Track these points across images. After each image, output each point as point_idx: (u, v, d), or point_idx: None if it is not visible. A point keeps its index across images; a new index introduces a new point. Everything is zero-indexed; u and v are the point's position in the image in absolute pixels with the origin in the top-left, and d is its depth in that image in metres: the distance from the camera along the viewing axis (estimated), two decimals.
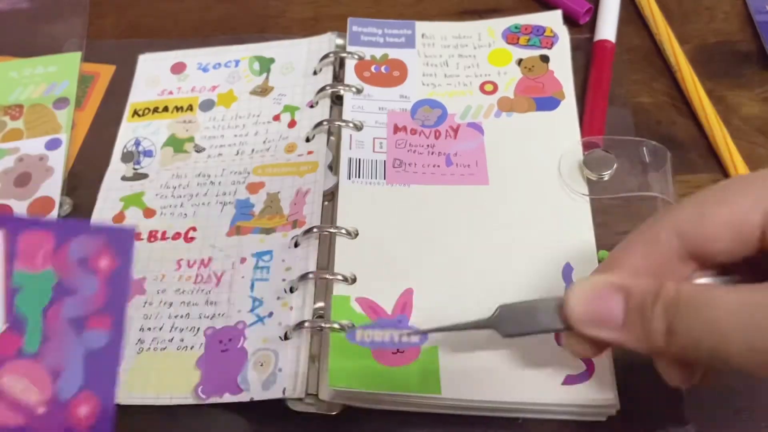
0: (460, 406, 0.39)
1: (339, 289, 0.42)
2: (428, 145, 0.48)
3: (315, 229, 0.44)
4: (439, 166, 0.47)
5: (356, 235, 0.44)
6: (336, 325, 0.40)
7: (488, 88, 0.51)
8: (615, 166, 0.46)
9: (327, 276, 0.42)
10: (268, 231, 0.46)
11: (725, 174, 0.48)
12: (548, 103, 0.50)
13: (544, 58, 0.52)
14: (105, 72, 0.57)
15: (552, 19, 0.54)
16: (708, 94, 0.51)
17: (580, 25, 0.56)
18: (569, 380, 0.38)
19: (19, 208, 0.49)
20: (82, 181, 0.51)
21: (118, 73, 0.57)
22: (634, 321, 0.30)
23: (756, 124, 0.50)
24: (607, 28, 0.54)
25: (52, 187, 0.50)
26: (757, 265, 0.31)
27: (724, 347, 0.28)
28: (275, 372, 0.40)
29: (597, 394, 0.38)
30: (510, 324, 0.35)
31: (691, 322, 0.29)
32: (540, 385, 0.38)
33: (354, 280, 0.42)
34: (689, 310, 0.29)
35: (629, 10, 0.57)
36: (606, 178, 0.46)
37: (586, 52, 0.54)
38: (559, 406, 0.38)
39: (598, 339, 0.32)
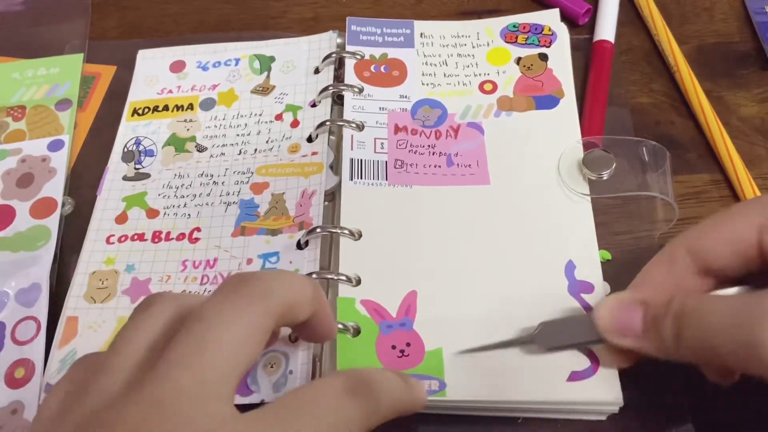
0: (465, 407, 0.39)
1: (344, 291, 0.42)
2: (429, 146, 0.48)
3: (318, 230, 0.44)
4: (440, 166, 0.47)
5: (360, 236, 0.44)
6: (341, 326, 0.40)
7: (488, 87, 0.51)
8: (614, 165, 0.46)
9: (332, 276, 0.42)
10: (274, 232, 0.46)
11: (724, 174, 0.48)
12: (548, 101, 0.50)
13: (543, 57, 0.52)
14: (106, 72, 0.57)
15: (550, 18, 0.54)
16: (707, 94, 0.51)
17: (580, 25, 0.56)
18: (574, 377, 0.38)
19: (22, 208, 0.49)
20: (84, 181, 0.51)
21: (119, 74, 0.57)
22: (650, 330, 0.35)
23: (754, 124, 0.50)
24: (606, 29, 0.55)
25: (55, 187, 0.50)
26: None
27: (717, 349, 0.32)
28: (285, 374, 0.40)
29: (602, 391, 0.38)
30: (550, 338, 0.38)
31: (692, 329, 0.33)
32: (545, 383, 0.38)
33: (359, 282, 0.42)
34: (690, 318, 0.33)
35: (628, 11, 0.57)
36: (605, 178, 0.46)
37: (585, 52, 0.54)
38: (564, 404, 0.38)
39: (623, 347, 0.36)
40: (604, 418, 0.39)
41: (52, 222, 0.48)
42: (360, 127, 0.49)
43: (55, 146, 0.52)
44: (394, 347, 0.40)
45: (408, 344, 0.40)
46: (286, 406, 0.28)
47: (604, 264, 0.44)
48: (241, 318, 0.28)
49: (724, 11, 0.57)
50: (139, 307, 0.31)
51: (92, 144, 0.53)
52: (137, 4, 0.62)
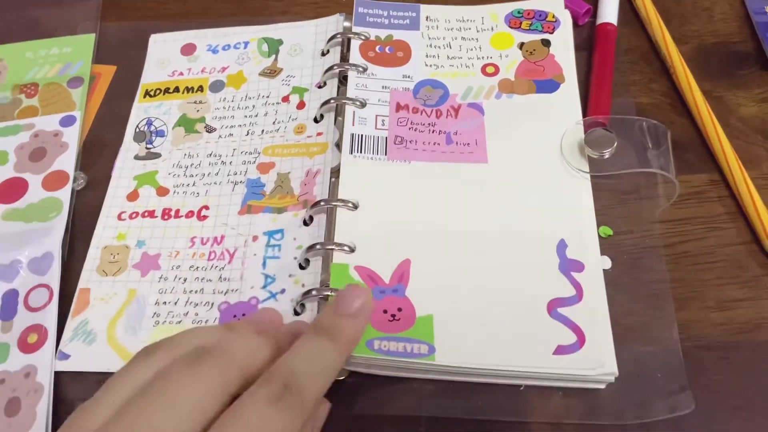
0: (453, 372, 0.40)
1: (339, 258, 0.43)
2: (429, 124, 0.49)
3: (323, 203, 0.45)
4: (439, 143, 0.48)
5: (356, 207, 0.45)
6: (334, 293, 0.41)
7: (490, 70, 0.52)
8: (615, 144, 0.47)
9: (327, 246, 0.43)
10: (279, 210, 0.47)
11: (721, 174, 0.48)
12: (548, 85, 0.51)
13: (546, 42, 0.53)
14: (106, 73, 0.58)
15: (554, 5, 0.55)
16: (707, 94, 0.51)
17: (580, 26, 0.56)
18: (560, 350, 0.39)
19: (35, 181, 0.51)
20: (96, 157, 0.53)
21: (126, 53, 0.58)
22: None
23: (754, 124, 0.50)
24: (609, 12, 0.55)
25: (67, 161, 0.52)
26: None
27: None
28: None
29: (588, 365, 0.39)
30: None
31: None
32: (532, 354, 0.39)
33: (353, 250, 0.43)
34: None
35: (627, 11, 0.57)
36: (606, 156, 0.47)
37: (587, 52, 0.54)
38: (553, 374, 0.39)
39: None
40: (602, 386, 0.40)
41: (64, 194, 0.50)
42: (362, 104, 0.50)
43: (67, 122, 0.54)
44: (385, 311, 0.41)
45: (399, 309, 0.41)
46: None
47: (606, 239, 0.45)
48: (201, 379, 0.31)
49: (724, 11, 0.57)
50: (137, 355, 0.33)
51: (104, 120, 0.55)
52: (136, 5, 0.62)
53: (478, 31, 0.55)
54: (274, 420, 0.30)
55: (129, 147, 0.53)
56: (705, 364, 0.41)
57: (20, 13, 0.62)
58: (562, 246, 0.43)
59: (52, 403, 0.41)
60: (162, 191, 0.50)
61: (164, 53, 0.58)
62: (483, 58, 0.53)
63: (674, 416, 0.39)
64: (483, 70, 0.52)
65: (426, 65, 0.53)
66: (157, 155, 0.52)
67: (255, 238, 0.46)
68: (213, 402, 0.30)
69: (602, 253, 0.43)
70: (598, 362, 0.39)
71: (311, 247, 0.44)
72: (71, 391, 0.42)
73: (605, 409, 0.40)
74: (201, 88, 0.55)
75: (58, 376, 0.43)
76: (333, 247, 0.43)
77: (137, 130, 0.53)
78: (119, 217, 0.49)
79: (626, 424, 0.39)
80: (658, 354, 0.41)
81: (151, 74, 0.57)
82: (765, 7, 0.56)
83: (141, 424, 0.29)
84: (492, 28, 0.55)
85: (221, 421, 0.30)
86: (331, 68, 0.52)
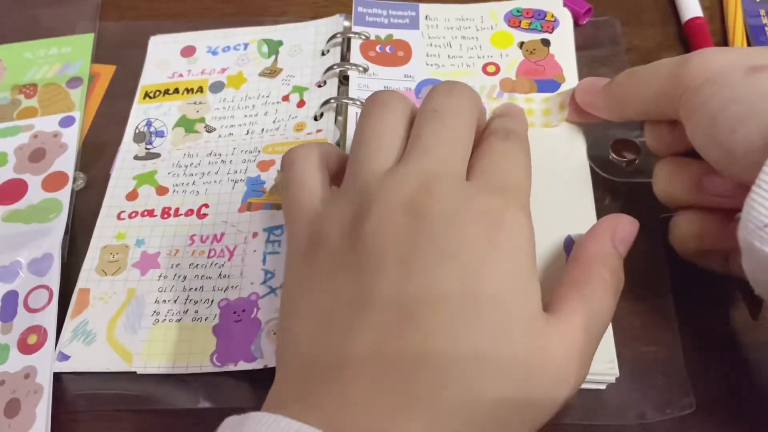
0: None
1: None
2: None
3: None
4: None
5: None
6: None
7: (491, 69, 0.52)
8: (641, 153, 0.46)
9: None
10: (279, 207, 0.47)
11: None
12: (549, 85, 0.51)
13: (545, 42, 0.53)
14: (105, 72, 0.58)
15: (552, 4, 0.55)
16: None
17: (580, 25, 0.56)
18: None
19: (34, 182, 0.51)
20: (96, 158, 0.53)
21: (126, 53, 0.58)
22: None
23: None
24: (692, 5, 0.55)
25: (66, 162, 0.51)
26: None
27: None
28: None
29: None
30: None
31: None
32: None
33: None
34: None
35: (629, 10, 0.57)
36: (630, 161, 0.47)
37: (589, 52, 0.54)
38: None
39: None
40: (603, 386, 0.40)
41: (64, 195, 0.50)
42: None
43: (66, 122, 0.54)
44: None
45: None
46: None
47: None
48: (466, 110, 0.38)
49: None
50: (373, 103, 0.39)
51: (104, 121, 0.55)
52: (136, 4, 0.62)
53: (477, 30, 0.55)
54: (511, 148, 0.37)
55: (128, 148, 0.53)
56: (706, 364, 0.41)
57: (19, 13, 0.62)
58: (569, 242, 0.43)
59: (52, 404, 0.41)
60: (161, 190, 0.50)
61: (164, 55, 0.58)
62: (483, 57, 0.53)
63: (675, 416, 0.39)
64: (484, 69, 0.52)
65: (427, 65, 0.53)
66: (157, 155, 0.52)
67: (255, 234, 0.46)
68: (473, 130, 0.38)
69: None
70: (598, 362, 0.38)
71: None
72: (71, 391, 0.42)
73: (606, 410, 0.39)
74: (201, 89, 0.55)
75: (58, 376, 0.42)
76: None
77: (137, 131, 0.53)
78: (119, 217, 0.49)
79: (627, 424, 0.39)
80: (659, 354, 0.41)
81: (151, 76, 0.57)
82: (760, 11, 0.55)
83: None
84: (491, 27, 0.55)
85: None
86: (331, 68, 0.53)
